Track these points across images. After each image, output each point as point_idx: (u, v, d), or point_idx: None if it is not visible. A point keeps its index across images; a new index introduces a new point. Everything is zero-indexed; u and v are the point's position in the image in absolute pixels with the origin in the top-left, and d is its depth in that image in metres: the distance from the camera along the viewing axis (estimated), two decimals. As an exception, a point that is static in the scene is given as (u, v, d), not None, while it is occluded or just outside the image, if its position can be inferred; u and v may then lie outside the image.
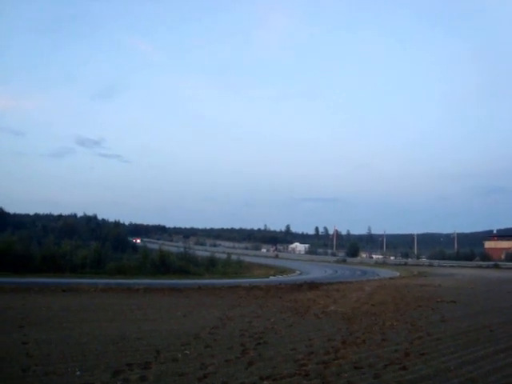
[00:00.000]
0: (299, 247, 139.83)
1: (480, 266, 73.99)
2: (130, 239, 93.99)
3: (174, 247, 61.47)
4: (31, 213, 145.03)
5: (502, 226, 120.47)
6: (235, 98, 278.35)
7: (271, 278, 42.31)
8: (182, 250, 53.70)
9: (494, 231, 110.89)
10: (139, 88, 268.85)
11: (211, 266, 50.09)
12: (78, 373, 7.39)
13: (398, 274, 51.17)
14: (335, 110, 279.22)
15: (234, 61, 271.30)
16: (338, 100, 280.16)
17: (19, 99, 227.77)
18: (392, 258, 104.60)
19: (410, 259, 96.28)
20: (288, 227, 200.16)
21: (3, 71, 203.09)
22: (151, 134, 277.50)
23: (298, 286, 28.76)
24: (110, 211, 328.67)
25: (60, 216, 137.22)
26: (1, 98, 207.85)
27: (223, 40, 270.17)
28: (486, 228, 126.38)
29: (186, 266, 45.19)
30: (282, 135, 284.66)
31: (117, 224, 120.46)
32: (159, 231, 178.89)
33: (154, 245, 69.23)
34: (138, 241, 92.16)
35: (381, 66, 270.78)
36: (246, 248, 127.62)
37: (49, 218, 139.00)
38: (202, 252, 60.96)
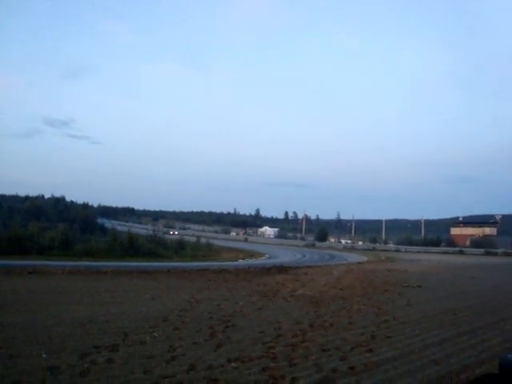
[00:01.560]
0: (269, 231, 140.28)
1: (446, 252, 75.37)
2: (101, 221, 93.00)
3: (142, 230, 61.06)
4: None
5: (468, 214, 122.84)
6: (204, 80, 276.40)
7: (240, 261, 42.34)
8: (151, 232, 53.40)
9: (460, 218, 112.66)
10: (109, 69, 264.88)
11: (180, 248, 49.93)
12: (44, 355, 7.31)
13: (365, 258, 51.72)
14: (305, 95, 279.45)
15: (201, 43, 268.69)
16: (309, 85, 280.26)
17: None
18: (360, 243, 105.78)
19: (377, 244, 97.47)
20: (258, 211, 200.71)
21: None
22: (121, 116, 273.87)
23: (267, 270, 28.88)
24: (78, 193, 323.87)
25: (27, 197, 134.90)
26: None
27: (191, 22, 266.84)
28: (453, 215, 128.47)
29: (154, 248, 44.99)
30: (251, 120, 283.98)
31: (85, 206, 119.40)
32: (128, 213, 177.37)
33: (122, 227, 68.71)
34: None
35: (352, 52, 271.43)
36: (216, 231, 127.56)
37: (15, 199, 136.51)
38: (171, 235, 60.69)
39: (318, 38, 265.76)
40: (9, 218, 62.95)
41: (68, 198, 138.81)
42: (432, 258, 53.97)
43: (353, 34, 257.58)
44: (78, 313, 11.64)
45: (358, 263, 42.22)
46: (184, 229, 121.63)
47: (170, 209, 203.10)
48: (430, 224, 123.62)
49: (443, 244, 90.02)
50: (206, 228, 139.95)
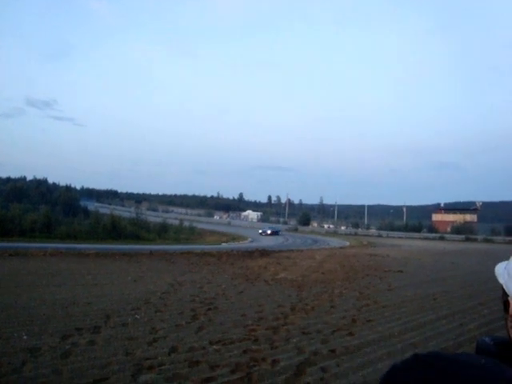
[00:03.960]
0: (252, 215, 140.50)
1: (427, 238, 76.09)
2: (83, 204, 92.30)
3: (125, 212, 60.79)
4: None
5: (449, 200, 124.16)
6: (190, 63, 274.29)
7: (223, 244, 42.44)
8: (133, 215, 53.19)
9: (442, 205, 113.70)
10: (92, 50, 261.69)
11: (163, 231, 49.87)
12: (24, 337, 7.30)
13: (347, 243, 52.10)
14: (291, 79, 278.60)
15: (188, 26, 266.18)
16: (294, 69, 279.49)
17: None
18: (343, 227, 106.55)
19: (360, 229, 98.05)
20: (241, 195, 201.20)
21: None
22: (104, 98, 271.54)
23: (250, 253, 28.99)
24: (61, 175, 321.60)
25: (8, 179, 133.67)
26: None
27: (178, 3, 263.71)
28: (434, 201, 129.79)
29: (137, 231, 44.89)
30: (235, 103, 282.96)
31: (68, 188, 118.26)
32: (111, 196, 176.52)
33: (105, 210, 68.36)
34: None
35: (339, 38, 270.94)
36: (199, 215, 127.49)
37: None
38: (154, 218, 60.53)
39: (303, 24, 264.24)
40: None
41: (50, 180, 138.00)
42: (413, 244, 54.48)
43: (341, 21, 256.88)
44: (59, 295, 11.61)
45: (341, 248, 42.53)
46: (167, 212, 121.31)
47: (154, 192, 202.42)
48: (412, 210, 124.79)
49: (425, 230, 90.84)
50: (190, 211, 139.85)
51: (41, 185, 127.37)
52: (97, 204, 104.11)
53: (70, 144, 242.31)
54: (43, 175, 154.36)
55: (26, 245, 26.53)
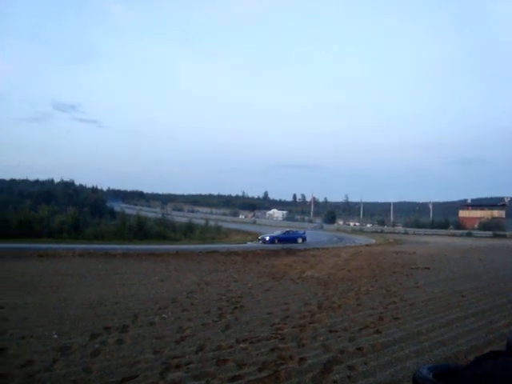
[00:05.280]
0: (277, 213, 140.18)
1: (454, 235, 75.00)
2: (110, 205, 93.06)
3: (151, 213, 61.20)
4: (7, 178, 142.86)
5: (476, 196, 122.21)
6: (211, 65, 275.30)
7: (249, 243, 42.43)
8: (159, 215, 53.53)
9: (469, 201, 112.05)
10: (115, 53, 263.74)
11: (189, 231, 50.05)
12: (55, 336, 7.42)
13: (373, 241, 51.68)
14: (312, 79, 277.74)
15: (210, 27, 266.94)
16: (314, 68, 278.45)
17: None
18: (368, 225, 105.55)
19: (386, 227, 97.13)
20: (266, 194, 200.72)
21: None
22: (128, 100, 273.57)
23: (276, 252, 29.02)
24: (87, 177, 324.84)
25: (37, 181, 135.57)
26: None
27: (198, 5, 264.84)
28: (461, 197, 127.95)
29: (163, 231, 45.16)
30: (260, 103, 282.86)
31: (94, 190, 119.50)
32: (137, 197, 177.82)
33: (131, 210, 68.96)
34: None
35: (356, 36, 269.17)
36: (224, 214, 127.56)
37: (25, 183, 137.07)
38: (179, 218, 60.86)
39: (319, 19, 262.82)
40: (19, 201, 63.00)
41: (77, 182, 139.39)
42: (440, 241, 53.84)
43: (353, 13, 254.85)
44: (88, 295, 11.77)
45: (366, 245, 42.24)
46: (192, 211, 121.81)
47: (179, 192, 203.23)
48: (439, 207, 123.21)
49: (451, 227, 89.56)
50: (215, 211, 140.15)
51: (68, 187, 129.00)
52: (123, 205, 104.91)
53: (95, 146, 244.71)
54: (70, 177, 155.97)
55: (55, 246, 26.91)
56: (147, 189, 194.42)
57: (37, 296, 11.39)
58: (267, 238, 43.00)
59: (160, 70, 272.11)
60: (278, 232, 47.81)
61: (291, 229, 53.16)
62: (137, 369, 5.96)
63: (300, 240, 44.64)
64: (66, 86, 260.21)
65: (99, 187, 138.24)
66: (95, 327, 8.09)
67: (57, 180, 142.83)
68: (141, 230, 42.35)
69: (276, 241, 42.78)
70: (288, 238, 44.12)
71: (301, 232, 48.50)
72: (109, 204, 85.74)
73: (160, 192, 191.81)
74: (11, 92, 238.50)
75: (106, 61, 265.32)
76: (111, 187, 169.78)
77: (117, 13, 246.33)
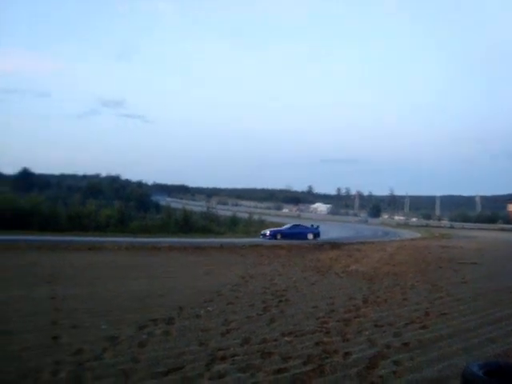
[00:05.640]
0: (321, 207, 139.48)
1: (503, 229, 73.03)
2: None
3: (196, 207, 61.86)
4: (56, 173, 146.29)
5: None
6: (254, 56, 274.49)
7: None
8: (204, 209, 54.10)
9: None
10: (160, 49, 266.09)
11: (233, 225, 50.40)
12: (103, 326, 7.60)
13: (419, 235, 50.93)
14: (355, 72, 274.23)
15: (255, 22, 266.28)
16: (355, 61, 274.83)
17: (44, 61, 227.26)
18: (414, 219, 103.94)
19: (431, 221, 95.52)
20: (310, 188, 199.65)
21: (28, 34, 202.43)
22: (172, 95, 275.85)
23: (320, 246, 28.95)
24: (133, 171, 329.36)
25: (84, 176, 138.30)
26: (26, 60, 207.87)
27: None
28: (510, 191, 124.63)
29: (208, 225, 45.64)
30: (305, 97, 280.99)
31: (140, 184, 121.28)
32: (182, 191, 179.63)
33: (177, 204, 69.80)
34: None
35: (400, 25, 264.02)
36: (268, 208, 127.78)
37: (73, 178, 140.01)
38: (223, 211, 61.32)
39: (371, 15, 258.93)
40: (68, 196, 64.50)
41: (123, 177, 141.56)
42: (488, 235, 52.58)
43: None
44: (134, 287, 12.03)
45: (412, 239, 41.70)
46: (236, 205, 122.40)
47: (223, 186, 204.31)
48: (486, 200, 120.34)
49: (500, 221, 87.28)
50: (259, 204, 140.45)
51: (114, 181, 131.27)
52: (168, 199, 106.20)
53: (140, 141, 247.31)
54: (116, 172, 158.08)
55: (102, 239, 27.52)
56: (192, 183, 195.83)
57: (85, 287, 11.71)
58: (268, 233, 38.48)
59: (203, 64, 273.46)
60: (287, 226, 42.51)
61: (300, 223, 45.67)
62: (183, 360, 6.05)
63: (311, 236, 39.13)
64: (112, 82, 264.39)
65: (144, 181, 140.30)
66: (142, 319, 8.23)
67: (103, 175, 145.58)
68: (186, 224, 42.89)
69: (279, 236, 37.88)
70: (294, 234, 38.65)
71: (312, 227, 42.09)
72: (154, 198, 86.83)
73: (204, 186, 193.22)
74: (61, 90, 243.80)
75: (152, 57, 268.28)
76: (156, 181, 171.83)
77: (162, 10, 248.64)
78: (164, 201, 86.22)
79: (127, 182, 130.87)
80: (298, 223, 44.04)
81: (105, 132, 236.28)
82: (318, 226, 42.28)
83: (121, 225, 40.66)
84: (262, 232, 39.35)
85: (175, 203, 78.87)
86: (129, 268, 16.09)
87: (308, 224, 44.34)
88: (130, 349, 6.45)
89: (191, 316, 8.67)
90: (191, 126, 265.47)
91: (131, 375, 5.41)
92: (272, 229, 40.26)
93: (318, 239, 38.26)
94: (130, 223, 41.71)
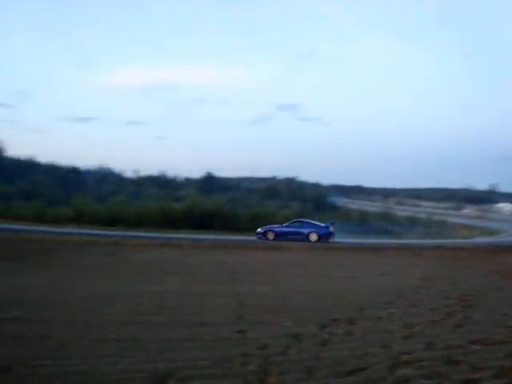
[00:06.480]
0: (507, 207, 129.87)
1: None
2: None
3: (373, 207, 61.30)
4: (235, 176, 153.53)
5: None
6: (428, 53, 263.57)
7: (476, 239, 40.19)
8: (381, 209, 53.50)
9: None
10: (330, 51, 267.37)
11: (412, 225, 49.19)
12: (287, 324, 7.85)
13: None
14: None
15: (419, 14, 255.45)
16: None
17: (222, 70, 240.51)
18: None
19: None
20: (494, 186, 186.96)
21: (207, 47, 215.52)
22: (347, 96, 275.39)
23: (506, 248, 27.05)
24: (309, 173, 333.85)
25: (261, 178, 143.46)
26: (206, 71, 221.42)
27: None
28: None
29: (385, 225, 45.08)
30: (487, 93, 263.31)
31: (316, 185, 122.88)
32: (357, 191, 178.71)
33: (353, 205, 69.78)
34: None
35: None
36: (447, 208, 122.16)
37: (251, 180, 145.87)
38: (401, 212, 60.00)
39: None
40: (247, 198, 67.61)
41: (299, 178, 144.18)
42: None
43: None
44: (311, 286, 12.26)
45: None
46: (415, 206, 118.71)
47: (400, 186, 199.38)
48: None
49: None
50: (437, 205, 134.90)
51: (291, 183, 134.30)
52: (345, 199, 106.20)
53: (316, 143, 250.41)
54: (292, 173, 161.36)
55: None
56: (367, 183, 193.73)
57: (267, 285, 12.21)
58: (259, 230, 31.60)
59: (374, 65, 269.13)
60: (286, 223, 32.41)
61: (304, 219, 33.49)
62: (366, 361, 6.01)
63: (314, 236, 29.82)
64: (286, 87, 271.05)
65: (320, 182, 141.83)
66: (322, 318, 8.33)
67: (280, 177, 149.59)
68: (363, 224, 42.85)
69: (270, 235, 30.69)
70: (290, 233, 30.58)
71: (319, 224, 31.75)
72: (330, 199, 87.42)
73: (379, 186, 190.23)
74: (237, 97, 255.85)
75: (323, 60, 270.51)
76: (332, 182, 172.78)
77: (329, 13, 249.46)
78: (341, 201, 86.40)
79: (304, 184, 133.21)
80: (301, 219, 33.85)
81: (280, 135, 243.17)
82: (328, 225, 31.58)
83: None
84: (258, 231, 31.81)
85: (351, 204, 78.79)
86: (309, 267, 16.45)
87: (312, 222, 32.40)
88: (313, 347, 6.56)
89: (372, 317, 8.60)
90: (366, 128, 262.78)
91: (315, 372, 5.52)
92: (264, 227, 32.11)
93: (331, 241, 30.25)
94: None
